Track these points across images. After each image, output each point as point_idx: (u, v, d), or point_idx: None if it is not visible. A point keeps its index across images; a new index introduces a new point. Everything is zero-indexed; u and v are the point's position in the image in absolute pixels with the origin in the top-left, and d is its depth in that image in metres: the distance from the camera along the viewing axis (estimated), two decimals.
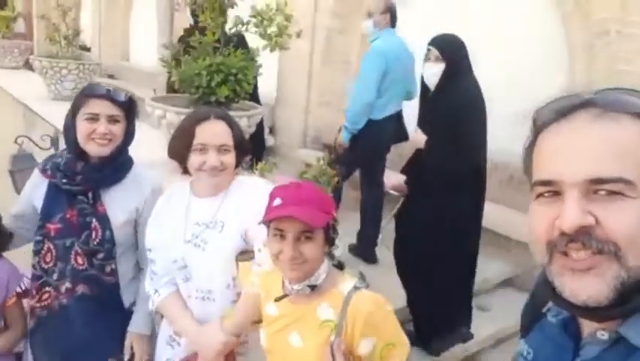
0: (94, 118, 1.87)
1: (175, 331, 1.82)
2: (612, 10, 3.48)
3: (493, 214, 4.24)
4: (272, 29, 2.75)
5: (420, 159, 2.96)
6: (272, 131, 6.22)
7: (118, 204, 1.93)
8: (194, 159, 1.68)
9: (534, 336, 0.87)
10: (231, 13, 2.97)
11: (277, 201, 1.39)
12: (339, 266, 1.50)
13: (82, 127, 1.88)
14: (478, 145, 2.87)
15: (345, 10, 5.66)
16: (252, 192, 1.72)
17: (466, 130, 2.79)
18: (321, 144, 5.96)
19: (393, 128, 4.19)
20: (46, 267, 1.91)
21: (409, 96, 4.20)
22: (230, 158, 1.70)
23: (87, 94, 1.90)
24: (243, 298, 1.67)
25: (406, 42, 4.11)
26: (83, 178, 1.90)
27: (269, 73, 3.04)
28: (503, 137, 4.41)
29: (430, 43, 2.86)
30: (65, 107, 2.01)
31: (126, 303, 1.98)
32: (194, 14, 3.89)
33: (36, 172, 2.01)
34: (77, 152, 1.91)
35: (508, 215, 4.26)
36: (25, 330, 2.25)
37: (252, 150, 1.86)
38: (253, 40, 3.01)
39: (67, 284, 1.89)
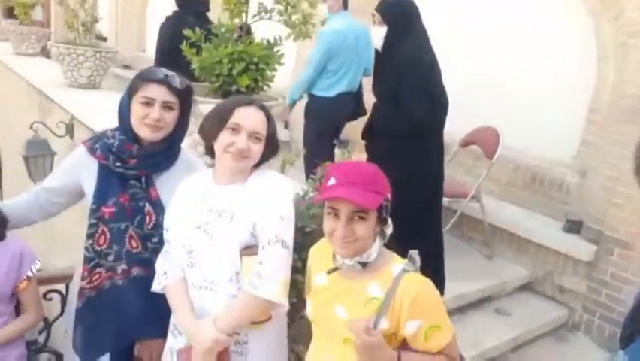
0: (149, 102, 1.87)
1: (174, 320, 1.81)
2: None
3: (513, 216, 4.16)
4: (296, 16, 2.67)
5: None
6: (287, 125, 6.16)
7: (169, 189, 1.90)
8: (223, 138, 1.67)
9: (635, 348, 0.84)
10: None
11: (331, 181, 1.41)
12: (390, 245, 1.51)
13: (136, 110, 1.88)
14: (419, 104, 2.88)
15: (362, 6, 5.56)
16: (268, 187, 1.70)
17: (405, 90, 2.87)
18: (337, 141, 5.89)
19: (348, 105, 4.52)
20: (99, 249, 1.91)
21: (365, 73, 4.49)
22: (258, 147, 1.69)
23: (146, 77, 1.90)
24: (240, 297, 1.64)
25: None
26: (138, 162, 1.90)
27: (284, 66, 2.96)
28: (526, 138, 4.33)
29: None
30: (81, 94, 2.01)
31: None
32: None
33: (81, 150, 2.00)
34: (132, 134, 1.91)
35: (528, 217, 4.16)
36: (40, 316, 2.22)
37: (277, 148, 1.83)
38: (274, 29, 2.93)
39: (124, 266, 1.90)
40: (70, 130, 4.67)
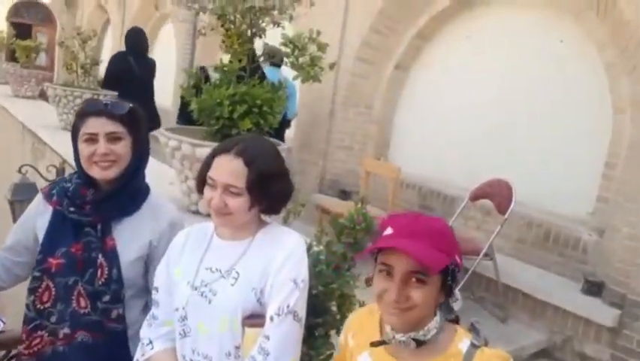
0: (92, 138, 1.64)
1: None
2: None
3: (527, 276, 3.90)
4: (304, 59, 2.51)
5: None
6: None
7: (130, 237, 1.68)
8: (205, 194, 1.47)
9: None
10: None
11: (388, 231, 1.19)
12: (456, 320, 1.27)
13: (82, 150, 1.66)
14: None
15: (370, 56, 5.50)
16: (280, 245, 1.46)
17: None
18: (338, 190, 5.69)
19: None
20: (42, 308, 1.66)
21: None
22: (237, 202, 1.42)
23: (83, 112, 1.69)
24: None
25: None
26: (93, 207, 1.67)
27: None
28: (538, 193, 4.14)
29: None
30: None
31: (134, 354, 1.68)
32: None
33: (39, 198, 1.77)
34: (86, 178, 1.69)
35: (543, 277, 3.91)
36: None
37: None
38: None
39: (66, 329, 1.63)
40: (60, 174, 4.46)
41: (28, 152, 5.64)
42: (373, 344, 1.26)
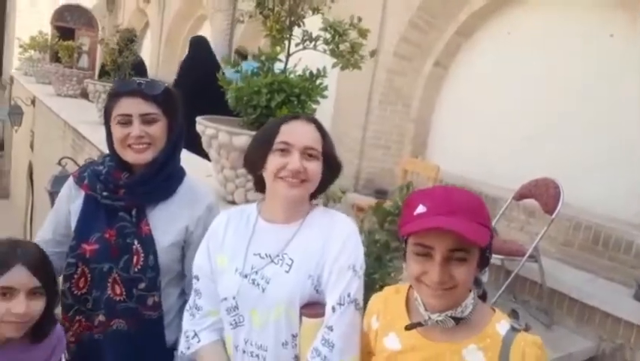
0: (126, 120, 1.58)
1: None
2: None
3: (574, 280, 3.70)
4: (344, 46, 2.43)
5: None
6: None
7: (166, 223, 1.61)
8: (272, 162, 1.36)
9: None
10: None
11: (420, 209, 1.10)
12: (484, 297, 1.23)
13: (116, 132, 1.60)
14: None
15: (409, 53, 5.38)
16: (335, 229, 1.37)
17: None
18: (373, 190, 5.58)
19: None
20: (78, 293, 1.61)
21: None
22: (315, 165, 1.36)
23: (115, 92, 1.62)
24: None
25: None
26: (127, 192, 1.60)
27: (322, 109, 2.70)
28: (587, 194, 3.94)
29: None
30: None
31: (169, 341, 1.64)
32: None
33: (70, 182, 1.71)
34: (120, 161, 1.62)
35: (591, 281, 3.70)
36: None
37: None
38: (314, 59, 2.69)
39: (101, 317, 1.58)
40: None
41: (68, 147, 5.75)
42: (408, 328, 1.20)
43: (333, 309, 1.31)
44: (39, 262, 1.39)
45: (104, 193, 1.62)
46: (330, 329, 1.30)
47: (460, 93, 5.29)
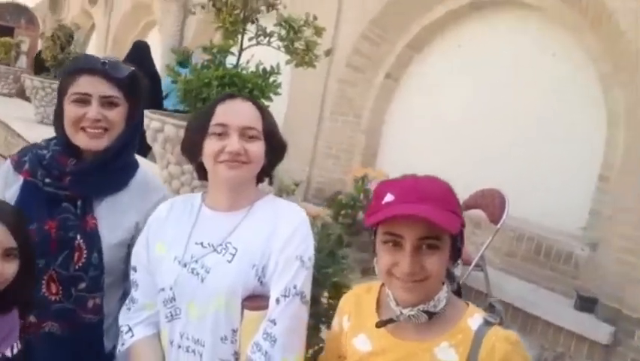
0: (84, 100, 1.42)
1: None
2: None
3: (517, 289, 3.77)
4: (299, 43, 2.38)
5: None
6: (271, 179, 5.82)
7: (114, 218, 1.47)
8: (209, 146, 1.27)
9: None
10: None
11: (388, 197, 1.06)
12: (459, 293, 1.17)
13: (69, 111, 1.44)
14: None
15: (361, 64, 5.42)
16: (284, 218, 1.30)
17: None
18: (323, 200, 5.53)
19: None
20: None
21: None
22: (256, 146, 1.28)
23: (75, 68, 1.46)
24: None
25: None
26: (74, 180, 1.44)
27: (275, 110, 2.64)
28: (529, 206, 4.04)
29: None
30: (52, 130, 1.60)
31: (108, 347, 1.49)
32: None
33: (7, 167, 1.53)
34: (68, 146, 1.47)
35: (534, 291, 3.78)
36: None
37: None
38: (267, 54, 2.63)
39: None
40: None
41: (1, 145, 5.39)
42: (378, 325, 1.13)
43: (277, 301, 1.23)
44: (17, 223, 1.28)
45: (47, 180, 1.45)
46: (273, 322, 1.21)
47: (411, 105, 5.36)
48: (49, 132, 1.63)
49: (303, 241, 1.28)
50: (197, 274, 1.27)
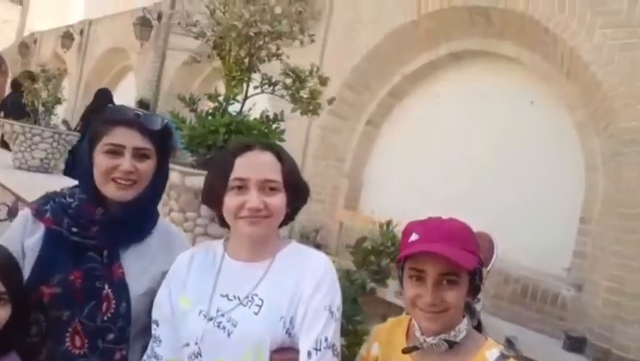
0: (117, 151, 1.43)
1: None
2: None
3: (506, 332, 3.80)
4: (304, 92, 2.45)
5: None
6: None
7: (141, 266, 1.45)
8: (230, 201, 1.26)
9: None
10: None
11: (414, 237, 1.20)
12: (479, 328, 1.28)
13: (100, 162, 1.43)
14: None
15: (344, 111, 5.54)
16: (309, 267, 1.28)
17: None
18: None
19: None
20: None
21: None
22: (278, 199, 1.26)
23: (110, 119, 1.47)
24: None
25: None
26: (101, 230, 1.42)
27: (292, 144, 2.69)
28: (515, 249, 4.13)
29: None
30: (31, 177, 1.57)
31: None
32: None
33: (25, 215, 1.49)
34: (95, 195, 1.45)
35: (522, 333, 3.81)
36: None
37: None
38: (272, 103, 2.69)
39: None
40: (12, 214, 4.10)
41: None
42: (405, 351, 1.25)
43: (309, 354, 1.20)
44: (6, 266, 1.26)
45: (74, 229, 1.42)
46: None
47: (392, 151, 5.48)
48: (29, 178, 1.60)
49: (330, 290, 1.26)
50: (224, 328, 1.24)
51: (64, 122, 5.43)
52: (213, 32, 2.39)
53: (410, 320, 1.31)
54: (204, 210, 2.51)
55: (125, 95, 9.47)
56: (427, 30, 4.92)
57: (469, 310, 1.27)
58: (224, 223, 1.37)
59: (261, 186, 1.25)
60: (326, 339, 1.21)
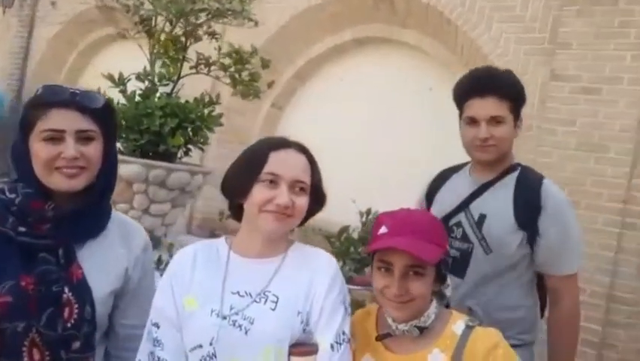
0: (57, 137, 1.26)
1: None
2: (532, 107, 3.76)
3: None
4: (245, 74, 2.35)
5: None
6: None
7: (101, 265, 1.32)
8: (258, 193, 1.25)
9: None
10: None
11: (383, 229, 1.26)
12: (447, 306, 1.36)
13: (40, 151, 1.26)
14: None
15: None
16: (324, 263, 1.33)
17: None
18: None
19: None
20: None
21: None
22: (303, 201, 1.29)
23: (42, 101, 1.28)
24: None
25: None
26: (54, 227, 1.27)
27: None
28: None
29: None
30: None
31: None
32: None
33: None
34: (40, 188, 1.28)
35: None
36: None
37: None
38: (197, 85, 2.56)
39: None
40: None
41: None
42: (378, 338, 1.31)
43: (332, 347, 1.23)
44: None
45: (21, 228, 1.24)
46: None
47: (296, 134, 5.47)
48: None
49: (343, 288, 1.32)
50: (240, 326, 1.21)
51: None
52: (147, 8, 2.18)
53: (379, 308, 1.36)
54: (137, 201, 2.33)
55: None
56: (333, 14, 4.96)
57: (439, 295, 1.34)
58: (234, 216, 1.36)
59: (291, 185, 1.26)
60: (344, 333, 1.26)
